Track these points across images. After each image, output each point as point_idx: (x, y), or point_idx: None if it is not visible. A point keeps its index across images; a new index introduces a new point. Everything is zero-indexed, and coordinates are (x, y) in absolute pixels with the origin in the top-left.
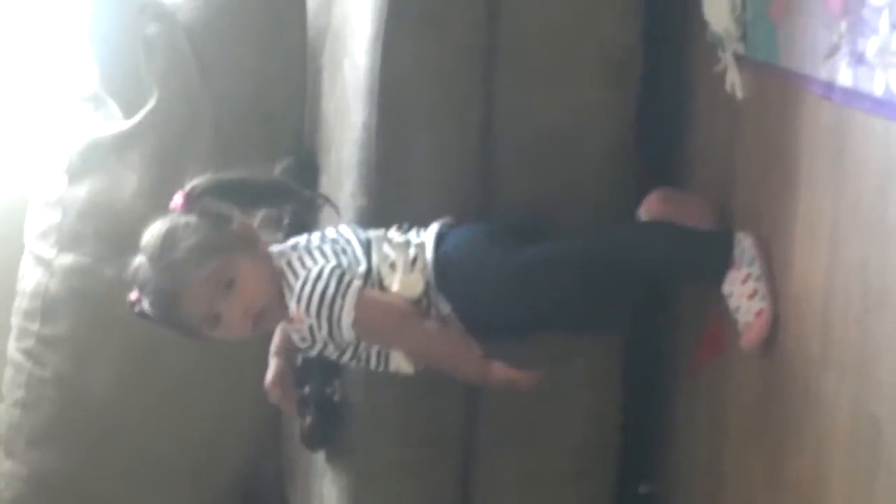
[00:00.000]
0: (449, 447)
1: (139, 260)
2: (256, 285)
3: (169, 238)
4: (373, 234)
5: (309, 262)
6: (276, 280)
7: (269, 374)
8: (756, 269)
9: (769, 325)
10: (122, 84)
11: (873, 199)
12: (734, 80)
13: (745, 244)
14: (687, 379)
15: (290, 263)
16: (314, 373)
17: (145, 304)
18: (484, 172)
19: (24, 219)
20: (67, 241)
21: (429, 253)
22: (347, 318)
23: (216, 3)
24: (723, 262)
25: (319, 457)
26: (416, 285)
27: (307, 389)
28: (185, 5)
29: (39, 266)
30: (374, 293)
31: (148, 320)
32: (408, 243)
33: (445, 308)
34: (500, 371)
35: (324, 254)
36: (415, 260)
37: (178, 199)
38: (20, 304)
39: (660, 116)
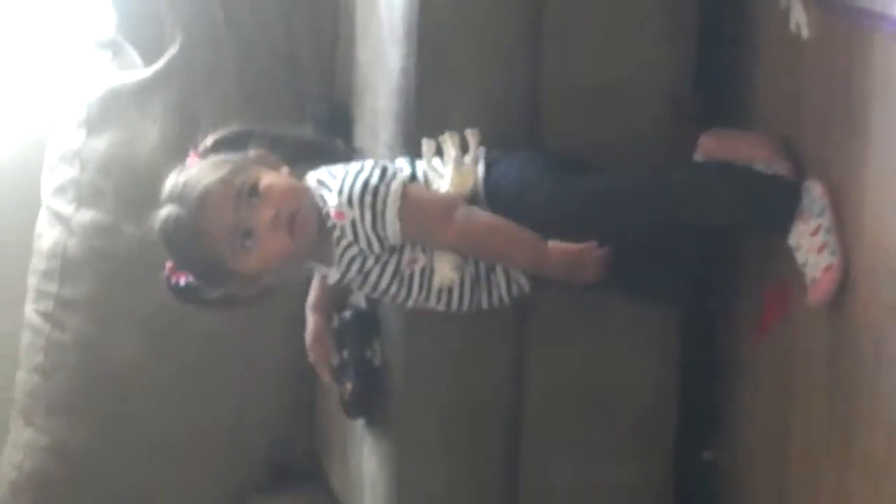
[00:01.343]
0: (495, 419)
1: (161, 211)
2: (283, 188)
3: (187, 178)
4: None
5: (345, 167)
6: (307, 190)
7: (308, 332)
8: (826, 221)
9: (838, 281)
10: (142, 29)
11: None
12: (799, 19)
13: (814, 193)
14: (750, 344)
15: (320, 179)
16: (352, 335)
17: (173, 261)
18: (531, 121)
19: (41, 172)
20: (86, 196)
21: (480, 172)
22: (393, 206)
23: None
24: (790, 210)
25: (358, 425)
26: (467, 179)
27: (345, 353)
28: None
29: (57, 223)
30: (419, 187)
31: (182, 297)
32: (457, 160)
33: None
34: (558, 250)
35: (363, 163)
36: (464, 165)
37: (192, 157)
38: (37, 264)
39: (722, 58)
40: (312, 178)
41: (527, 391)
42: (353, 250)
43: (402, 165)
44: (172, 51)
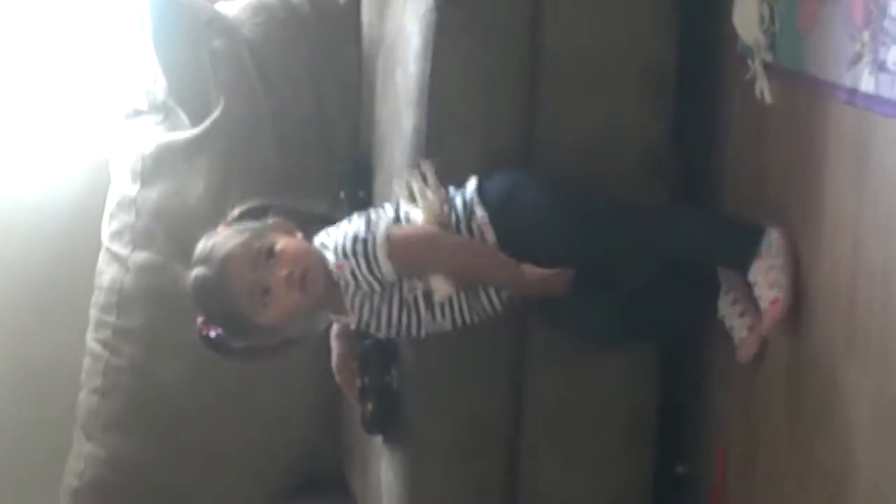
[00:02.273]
0: (497, 434)
1: (191, 271)
2: (297, 249)
3: (214, 243)
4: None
5: (338, 226)
6: (315, 251)
7: (334, 358)
8: (779, 261)
9: (784, 312)
10: (190, 94)
11: (894, 199)
12: (763, 87)
13: (772, 236)
14: (720, 366)
15: (322, 241)
16: (373, 362)
17: (203, 316)
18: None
19: (101, 219)
20: (140, 239)
21: (469, 192)
22: (382, 249)
23: (277, 19)
24: (751, 251)
25: (377, 441)
26: (434, 206)
27: (366, 378)
28: (248, 21)
29: (115, 263)
30: (400, 226)
31: (211, 347)
32: (421, 192)
33: (481, 215)
34: (531, 272)
35: (350, 218)
36: (427, 197)
37: (221, 227)
38: (98, 297)
39: (695, 121)
40: (317, 240)
41: (525, 410)
42: (360, 295)
43: (388, 209)
44: (216, 113)
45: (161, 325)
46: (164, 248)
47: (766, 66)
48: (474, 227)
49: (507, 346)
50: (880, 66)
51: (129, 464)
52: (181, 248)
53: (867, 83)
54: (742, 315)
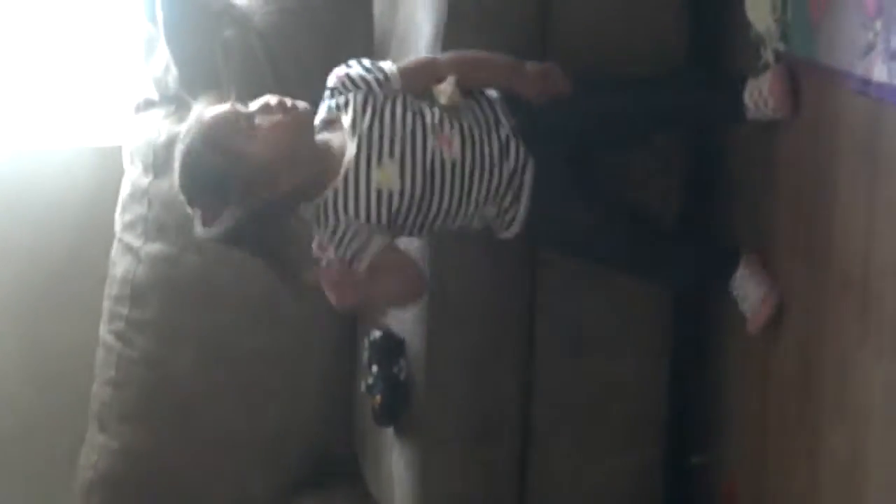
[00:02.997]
0: (507, 423)
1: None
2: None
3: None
4: None
5: None
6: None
7: None
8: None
9: (774, 309)
10: (201, 84)
11: None
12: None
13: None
14: (733, 354)
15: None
16: (381, 353)
17: (195, 194)
18: None
19: (114, 210)
20: (153, 230)
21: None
22: (390, 65)
23: (288, 9)
24: (729, 270)
25: (388, 432)
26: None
27: (375, 369)
28: (259, 10)
29: (128, 254)
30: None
31: (222, 237)
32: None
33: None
34: (532, 65)
35: None
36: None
37: None
38: (111, 289)
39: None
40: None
41: (535, 399)
42: (361, 96)
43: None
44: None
45: (174, 317)
46: (176, 239)
47: (777, 55)
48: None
49: (516, 334)
50: (892, 56)
51: (142, 455)
52: (193, 238)
53: (880, 72)
54: (758, 286)
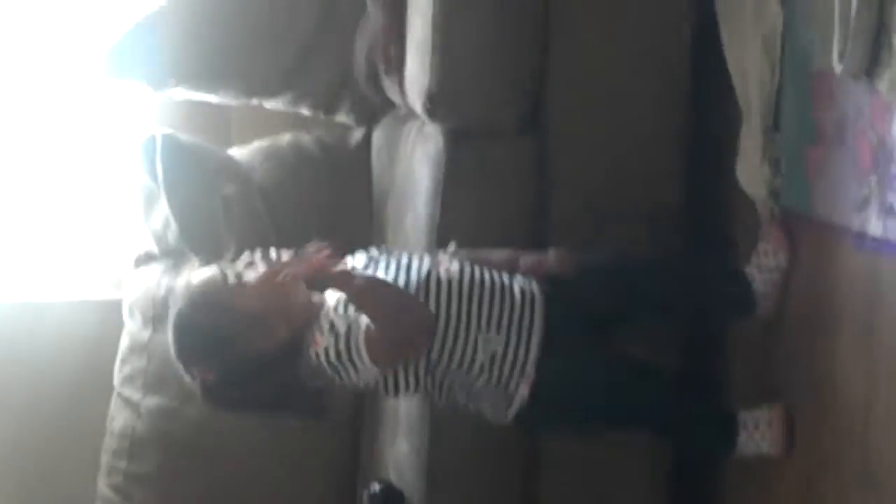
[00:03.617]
0: None
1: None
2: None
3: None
4: None
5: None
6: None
7: None
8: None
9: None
10: (202, 239)
11: None
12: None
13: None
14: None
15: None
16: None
17: (188, 354)
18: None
19: (113, 363)
20: (153, 384)
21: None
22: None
23: (288, 165)
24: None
25: None
26: None
27: (375, 486)
28: (259, 166)
29: (127, 408)
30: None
31: (214, 394)
32: None
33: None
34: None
35: None
36: None
37: None
38: (109, 443)
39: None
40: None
41: None
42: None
43: None
44: (228, 259)
45: (174, 471)
46: (176, 393)
47: (771, 213)
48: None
49: (515, 491)
50: (888, 211)
51: None
52: (194, 393)
53: (875, 227)
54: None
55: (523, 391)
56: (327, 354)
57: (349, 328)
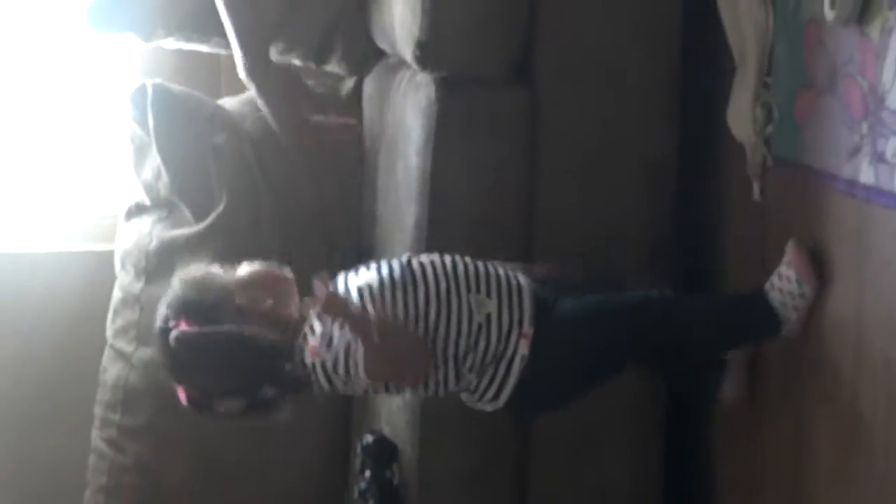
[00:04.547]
0: None
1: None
2: None
3: None
4: None
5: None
6: None
7: None
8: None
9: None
10: (193, 190)
11: (895, 293)
12: (754, 184)
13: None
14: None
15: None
16: (374, 458)
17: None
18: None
19: (105, 315)
20: (145, 336)
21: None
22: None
23: None
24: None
25: None
26: None
27: (368, 474)
28: (249, 115)
29: (120, 360)
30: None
31: (200, 405)
32: None
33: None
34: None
35: None
36: None
37: None
38: (102, 395)
39: (696, 212)
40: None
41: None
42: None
43: None
44: (219, 209)
45: (166, 423)
46: None
47: (762, 160)
48: None
49: (510, 440)
50: (879, 158)
51: None
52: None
53: (866, 174)
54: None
55: (523, 350)
56: (324, 367)
57: (348, 347)
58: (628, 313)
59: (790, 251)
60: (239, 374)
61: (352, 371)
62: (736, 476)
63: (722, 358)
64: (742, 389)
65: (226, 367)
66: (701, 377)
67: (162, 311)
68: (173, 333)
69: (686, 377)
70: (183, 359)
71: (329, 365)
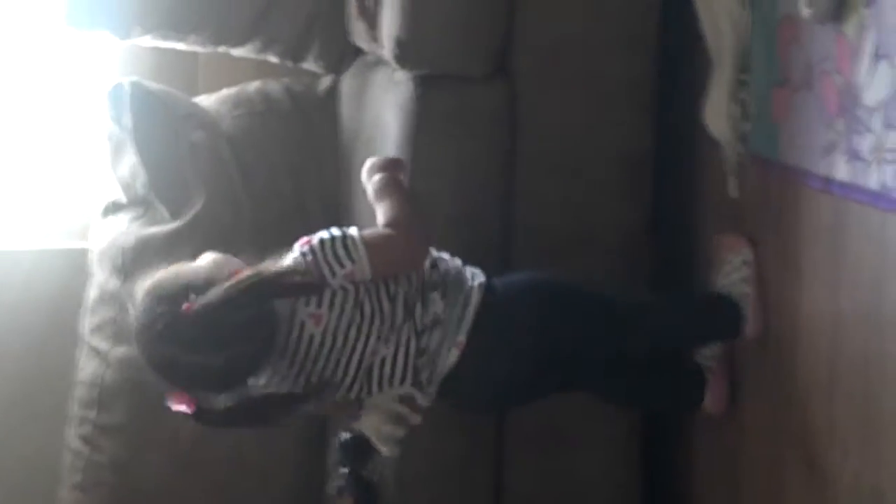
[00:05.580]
0: None
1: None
2: None
3: None
4: None
5: None
6: None
7: None
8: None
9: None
10: (170, 188)
11: (870, 291)
12: (731, 181)
13: None
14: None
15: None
16: (352, 455)
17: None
18: (505, 260)
19: (80, 313)
20: (121, 334)
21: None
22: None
23: (256, 112)
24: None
25: None
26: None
27: (345, 471)
28: (227, 114)
29: (95, 357)
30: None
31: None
32: None
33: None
34: None
35: None
36: None
37: None
38: (78, 393)
39: (672, 207)
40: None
41: (505, 501)
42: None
43: None
44: (196, 207)
45: (143, 421)
46: None
47: (738, 157)
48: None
49: (488, 436)
50: (855, 154)
51: None
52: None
53: (842, 171)
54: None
55: (480, 278)
56: (321, 242)
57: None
58: (590, 300)
59: (714, 247)
60: (259, 321)
61: (350, 248)
62: (715, 472)
63: (700, 372)
64: (722, 402)
65: (245, 315)
66: (679, 393)
67: (158, 309)
68: (193, 308)
69: (664, 395)
70: (208, 330)
71: (327, 236)
